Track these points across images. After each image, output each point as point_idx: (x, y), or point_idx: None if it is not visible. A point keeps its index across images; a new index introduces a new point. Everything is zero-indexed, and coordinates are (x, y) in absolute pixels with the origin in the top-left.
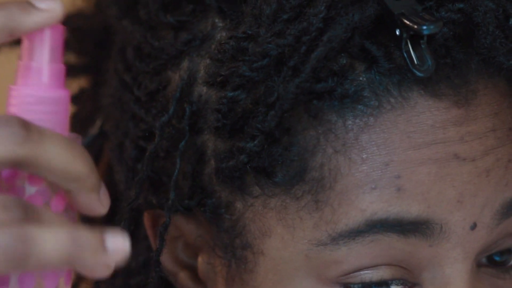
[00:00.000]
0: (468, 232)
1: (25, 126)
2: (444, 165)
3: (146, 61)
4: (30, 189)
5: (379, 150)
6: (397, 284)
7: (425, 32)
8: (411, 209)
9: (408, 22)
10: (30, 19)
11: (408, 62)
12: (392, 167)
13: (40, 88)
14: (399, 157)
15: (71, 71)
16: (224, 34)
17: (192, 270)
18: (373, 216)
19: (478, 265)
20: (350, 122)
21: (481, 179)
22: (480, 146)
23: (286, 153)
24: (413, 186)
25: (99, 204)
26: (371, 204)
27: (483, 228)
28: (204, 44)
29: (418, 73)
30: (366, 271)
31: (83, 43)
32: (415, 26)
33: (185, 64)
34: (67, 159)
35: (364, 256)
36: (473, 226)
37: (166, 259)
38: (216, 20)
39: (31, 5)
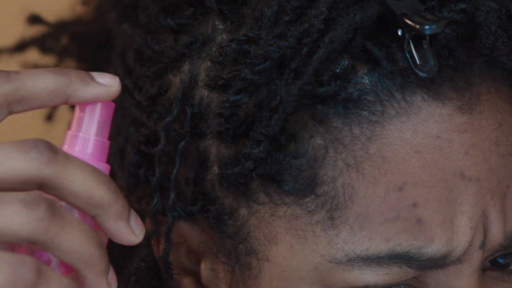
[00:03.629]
0: (476, 251)
1: (52, 149)
2: (452, 188)
3: (147, 65)
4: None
5: (391, 169)
6: None
7: (427, 32)
8: (432, 244)
9: (410, 22)
10: (87, 91)
11: (411, 62)
12: (406, 192)
13: (83, 157)
14: (411, 179)
15: None
16: (225, 36)
17: (195, 276)
18: (397, 247)
19: (483, 269)
20: (356, 130)
21: (486, 200)
22: (484, 163)
23: (294, 162)
24: (430, 217)
25: (129, 232)
26: (397, 235)
27: (487, 249)
28: (204, 47)
29: (420, 74)
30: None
31: (83, 49)
32: (417, 26)
33: (185, 67)
34: (90, 184)
35: (374, 280)
36: (482, 246)
37: None
38: (217, 23)
39: (91, 78)
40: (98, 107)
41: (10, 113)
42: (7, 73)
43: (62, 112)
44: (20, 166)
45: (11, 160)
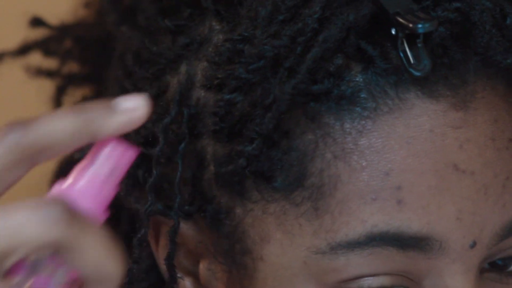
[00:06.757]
0: (467, 250)
1: (71, 211)
2: (444, 177)
3: (145, 67)
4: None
5: (378, 158)
6: None
7: (420, 31)
8: (411, 224)
9: (403, 21)
10: (111, 124)
11: (404, 61)
12: (392, 177)
13: (82, 200)
14: (399, 166)
15: (74, 80)
16: (221, 36)
17: (194, 277)
18: (374, 229)
19: (481, 271)
20: (348, 125)
21: (479, 196)
22: (479, 157)
23: (285, 158)
24: (414, 199)
25: None
26: (372, 215)
27: (482, 248)
28: (201, 47)
29: (414, 73)
30: (365, 278)
31: (86, 52)
32: (410, 25)
33: (183, 68)
34: (101, 256)
35: (363, 267)
36: (473, 245)
37: None
38: (214, 23)
39: (113, 108)
40: (116, 151)
41: (34, 164)
42: (23, 125)
43: None
44: (38, 233)
45: (29, 228)
